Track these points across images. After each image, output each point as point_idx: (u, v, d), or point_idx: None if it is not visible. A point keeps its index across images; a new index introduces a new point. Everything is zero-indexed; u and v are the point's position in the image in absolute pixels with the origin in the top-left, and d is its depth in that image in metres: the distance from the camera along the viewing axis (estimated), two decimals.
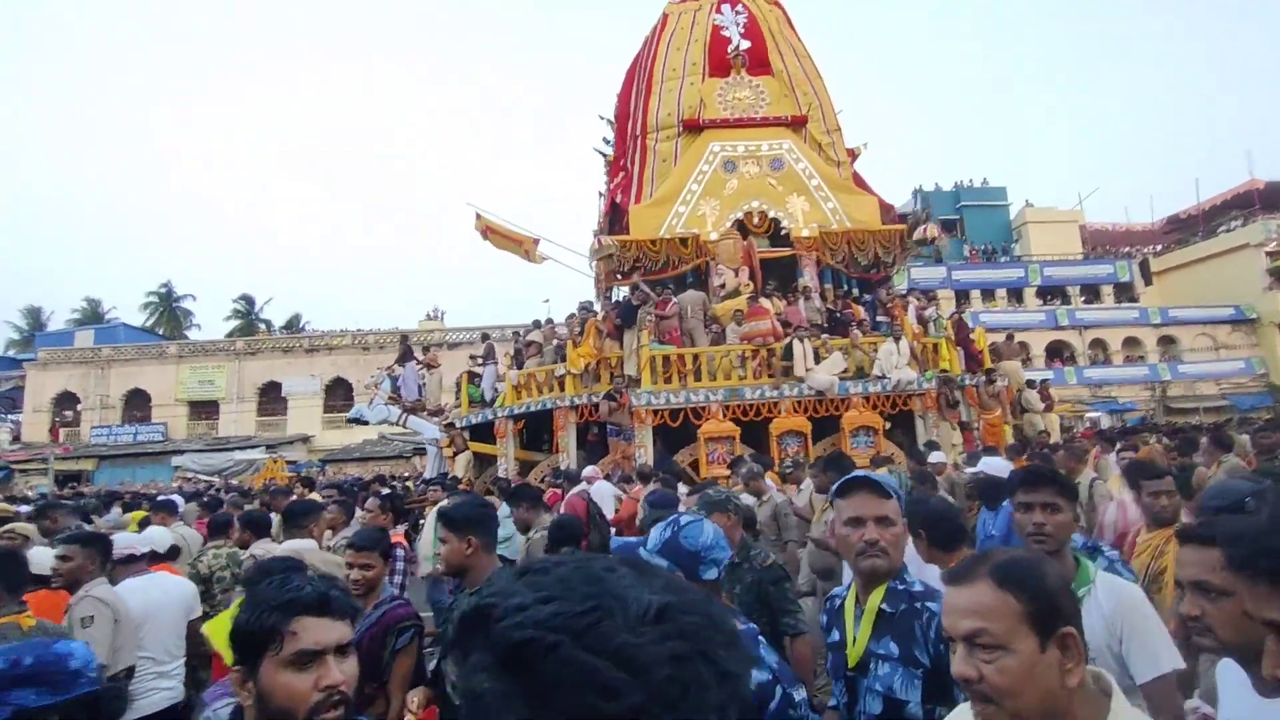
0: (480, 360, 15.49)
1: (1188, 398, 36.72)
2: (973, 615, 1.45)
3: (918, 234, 15.31)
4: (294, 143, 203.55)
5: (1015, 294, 40.49)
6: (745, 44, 16.10)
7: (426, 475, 14.69)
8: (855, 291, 16.05)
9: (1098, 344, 39.12)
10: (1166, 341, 39.17)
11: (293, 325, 53.40)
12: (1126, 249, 45.75)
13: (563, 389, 13.84)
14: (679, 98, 16.20)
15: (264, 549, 5.86)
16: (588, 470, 12.33)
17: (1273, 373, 37.43)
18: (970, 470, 8.38)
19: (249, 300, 54.17)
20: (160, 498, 9.13)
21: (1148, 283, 40.43)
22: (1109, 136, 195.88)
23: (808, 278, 15.18)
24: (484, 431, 14.97)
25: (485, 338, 16.61)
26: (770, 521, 7.47)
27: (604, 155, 17.87)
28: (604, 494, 10.15)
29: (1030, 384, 15.49)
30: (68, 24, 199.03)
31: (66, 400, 40.67)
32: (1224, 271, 39.53)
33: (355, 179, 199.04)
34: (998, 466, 7.46)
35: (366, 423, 16.22)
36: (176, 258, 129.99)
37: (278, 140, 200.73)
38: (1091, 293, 40.83)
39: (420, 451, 22.06)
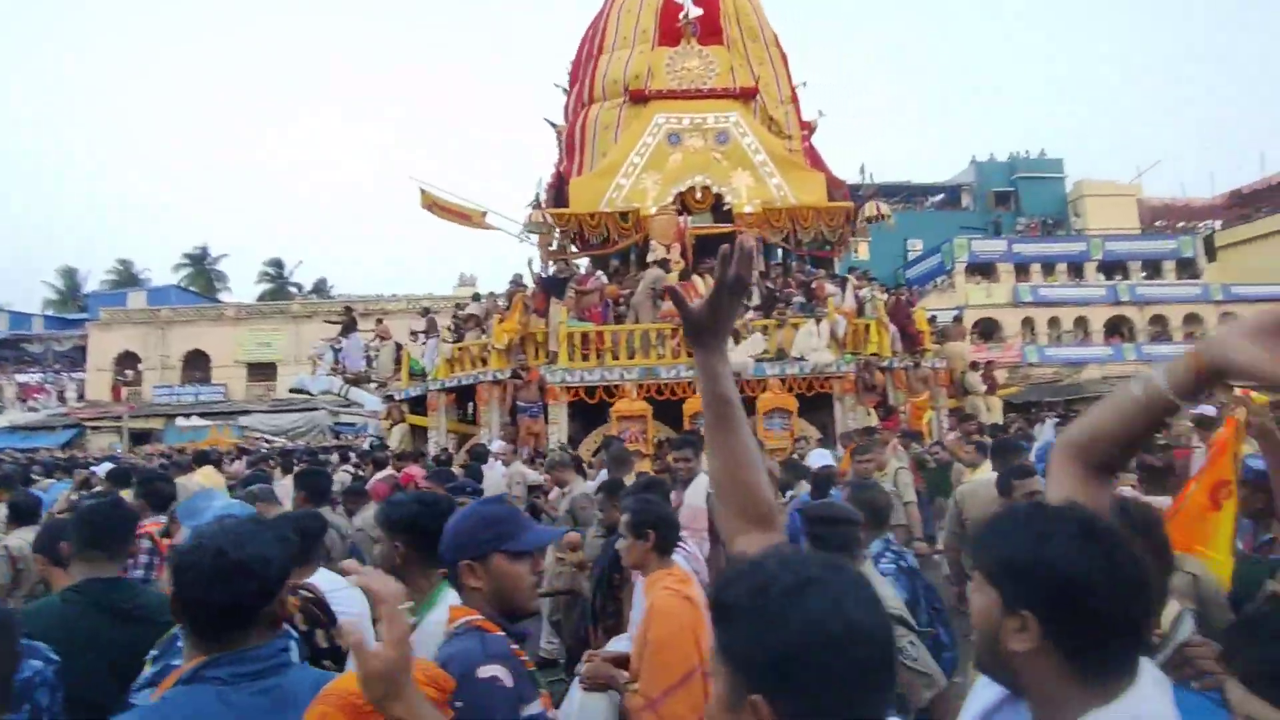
0: (424, 334, 15.56)
1: None
2: None
3: (866, 210, 14.74)
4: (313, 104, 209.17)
5: (1075, 268, 38.81)
6: (697, 12, 15.52)
7: (364, 447, 14.96)
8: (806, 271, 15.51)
9: (1158, 320, 37.18)
10: (1228, 318, 36.78)
11: (320, 289, 53.77)
12: (1182, 224, 43.61)
13: (486, 364, 13.85)
14: (626, 66, 15.78)
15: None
16: (496, 446, 12.29)
17: None
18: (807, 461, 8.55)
19: (279, 264, 54.44)
20: None
21: (1211, 259, 38.33)
22: (1168, 110, 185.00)
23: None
24: (423, 404, 15.10)
25: (426, 311, 16.73)
26: (566, 515, 7.16)
27: (554, 126, 17.58)
28: (515, 476, 9.78)
29: (974, 366, 14.77)
30: None
31: (127, 360, 41.46)
32: None
33: (378, 137, 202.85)
34: (826, 458, 8.47)
35: (310, 393, 16.58)
36: (200, 220, 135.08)
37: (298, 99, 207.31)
38: (1153, 268, 38.87)
39: None
